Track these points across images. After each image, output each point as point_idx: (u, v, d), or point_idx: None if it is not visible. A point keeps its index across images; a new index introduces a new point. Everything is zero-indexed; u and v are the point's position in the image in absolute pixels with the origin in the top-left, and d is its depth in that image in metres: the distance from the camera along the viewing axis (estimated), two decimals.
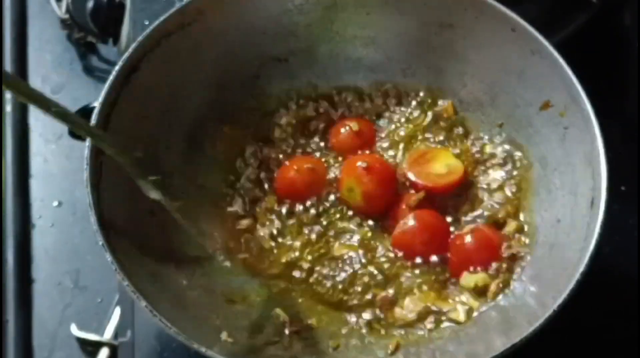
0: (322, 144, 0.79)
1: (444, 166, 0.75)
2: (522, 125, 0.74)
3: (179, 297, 0.68)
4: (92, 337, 0.79)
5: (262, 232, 0.75)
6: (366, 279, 0.72)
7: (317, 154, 0.79)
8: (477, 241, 0.72)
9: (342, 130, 0.78)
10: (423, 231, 0.73)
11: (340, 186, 0.76)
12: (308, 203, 0.76)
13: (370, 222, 0.75)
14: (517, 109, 0.75)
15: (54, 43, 0.97)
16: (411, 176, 0.74)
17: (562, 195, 0.70)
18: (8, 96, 0.92)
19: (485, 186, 0.75)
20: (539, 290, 0.67)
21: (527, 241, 0.72)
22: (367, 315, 0.71)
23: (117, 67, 0.70)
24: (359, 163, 0.75)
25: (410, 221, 0.72)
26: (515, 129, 0.75)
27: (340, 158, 0.78)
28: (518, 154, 0.75)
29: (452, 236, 0.73)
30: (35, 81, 0.94)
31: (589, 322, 0.74)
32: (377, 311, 0.71)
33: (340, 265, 0.73)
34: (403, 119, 0.79)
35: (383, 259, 0.73)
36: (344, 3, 0.78)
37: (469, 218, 0.74)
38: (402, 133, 0.78)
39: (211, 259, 0.73)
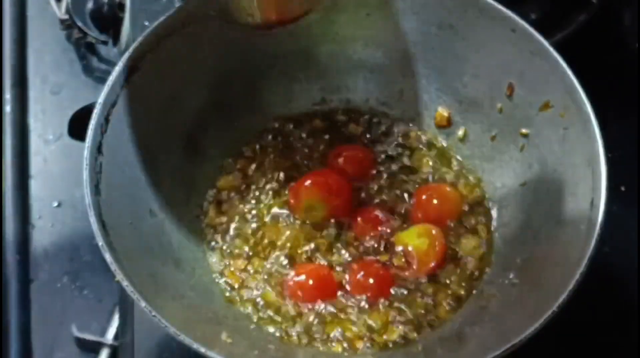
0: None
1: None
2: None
3: (179, 297, 0.68)
4: (92, 337, 0.79)
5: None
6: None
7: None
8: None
9: (341, 157, 0.78)
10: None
11: (295, 210, 0.75)
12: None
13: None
14: (517, 109, 0.75)
15: (54, 43, 0.96)
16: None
17: (562, 195, 0.70)
18: (7, 96, 0.92)
19: None
20: (539, 289, 0.67)
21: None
22: None
23: (117, 68, 0.70)
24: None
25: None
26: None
27: None
28: None
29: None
30: (35, 81, 0.94)
31: (589, 321, 0.74)
32: None
33: None
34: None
35: None
36: (344, 4, 0.77)
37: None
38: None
39: (210, 259, 0.73)
